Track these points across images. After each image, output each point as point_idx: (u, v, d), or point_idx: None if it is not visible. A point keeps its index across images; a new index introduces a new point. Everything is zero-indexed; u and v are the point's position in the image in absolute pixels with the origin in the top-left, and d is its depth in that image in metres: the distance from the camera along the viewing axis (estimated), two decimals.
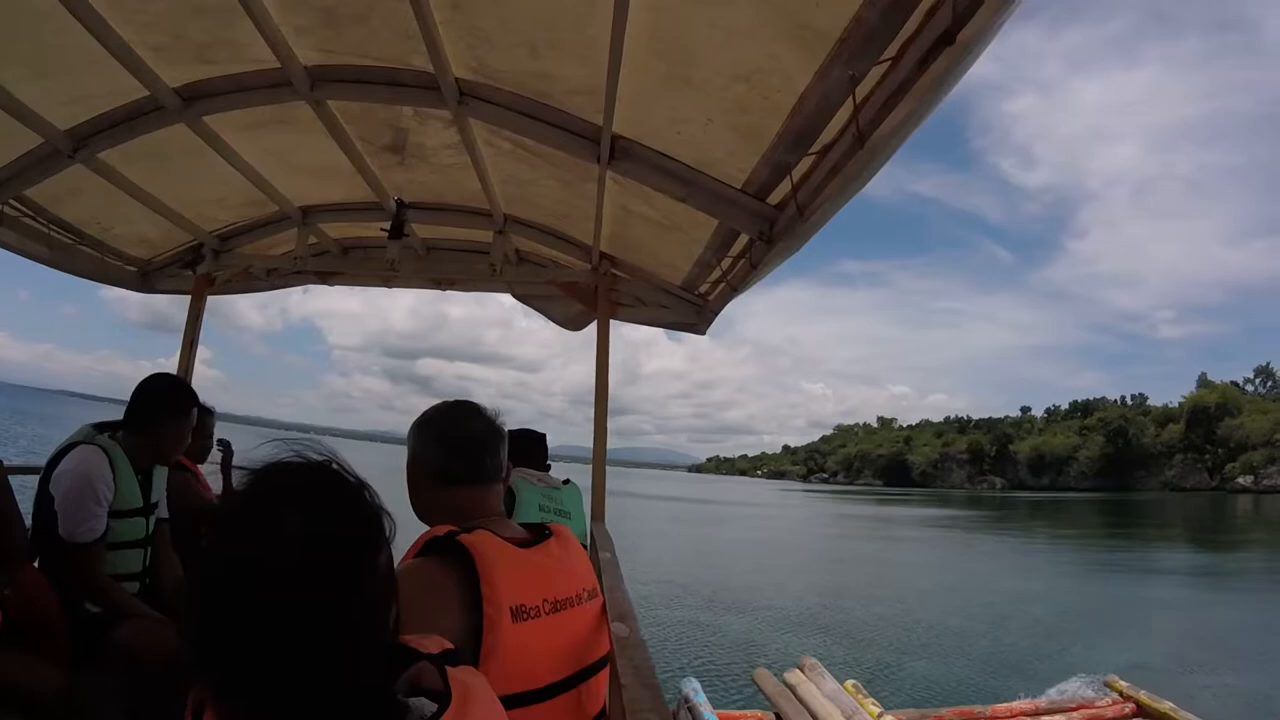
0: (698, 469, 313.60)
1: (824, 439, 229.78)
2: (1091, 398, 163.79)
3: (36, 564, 2.04)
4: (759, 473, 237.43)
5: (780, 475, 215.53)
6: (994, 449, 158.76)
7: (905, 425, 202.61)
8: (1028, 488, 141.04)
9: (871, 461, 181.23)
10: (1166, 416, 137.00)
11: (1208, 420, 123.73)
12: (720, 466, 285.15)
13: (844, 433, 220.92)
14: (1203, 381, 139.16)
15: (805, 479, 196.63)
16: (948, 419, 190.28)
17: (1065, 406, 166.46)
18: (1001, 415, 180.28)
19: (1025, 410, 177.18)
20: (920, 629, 12.41)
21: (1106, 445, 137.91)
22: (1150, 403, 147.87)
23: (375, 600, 0.70)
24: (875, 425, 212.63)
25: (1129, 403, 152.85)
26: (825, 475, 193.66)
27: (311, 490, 0.70)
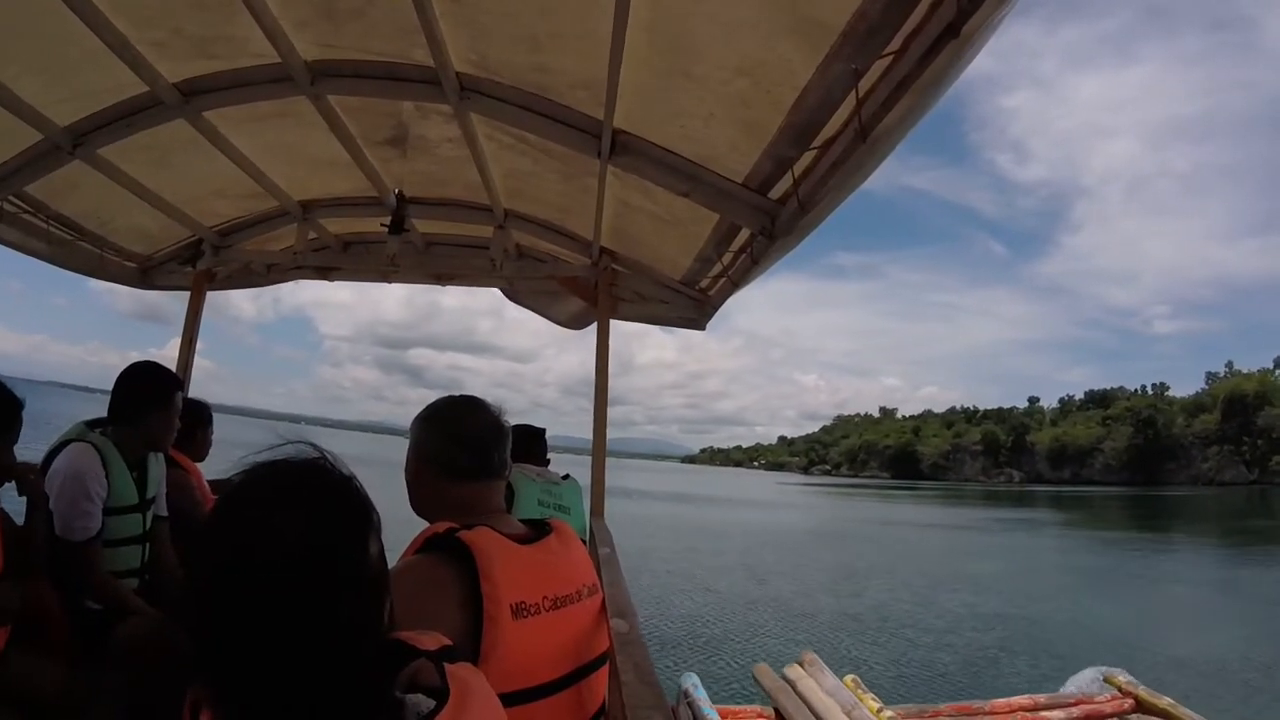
0: (691, 460, 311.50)
1: (824, 429, 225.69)
2: (1109, 387, 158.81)
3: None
4: (755, 464, 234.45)
5: (779, 467, 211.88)
6: (1010, 440, 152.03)
7: (905, 415, 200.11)
8: (1047, 481, 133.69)
9: (878, 453, 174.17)
10: (1197, 406, 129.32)
11: (1244, 410, 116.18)
12: (714, 458, 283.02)
13: (845, 423, 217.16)
14: (1229, 370, 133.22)
15: (806, 471, 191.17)
16: (953, 409, 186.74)
17: (1080, 396, 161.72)
18: (996, 408, 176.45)
19: (1033, 401, 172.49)
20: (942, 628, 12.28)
21: (1135, 436, 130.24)
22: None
23: (369, 592, 0.70)
24: (877, 415, 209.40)
25: (1149, 393, 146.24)
26: (828, 467, 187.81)
27: (302, 485, 0.71)
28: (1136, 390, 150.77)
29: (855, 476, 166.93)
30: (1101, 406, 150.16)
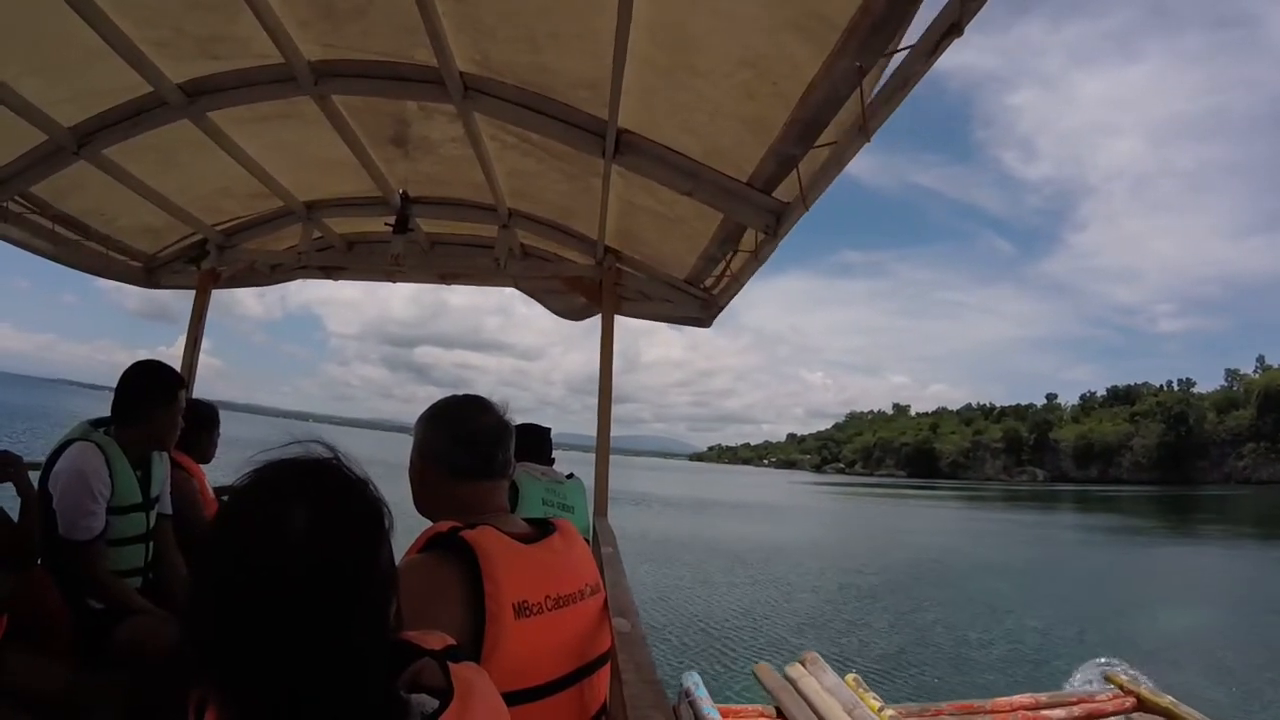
0: (698, 457, 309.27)
1: (837, 426, 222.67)
2: (1132, 383, 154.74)
3: (39, 561, 2.05)
4: (765, 462, 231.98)
5: (789, 465, 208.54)
6: (1032, 437, 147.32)
7: (918, 413, 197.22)
8: (1073, 480, 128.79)
9: (894, 450, 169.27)
10: (1229, 401, 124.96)
11: None
12: (722, 455, 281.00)
13: (857, 420, 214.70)
14: (1260, 365, 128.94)
15: (818, 469, 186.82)
16: (969, 406, 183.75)
17: (1102, 393, 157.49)
18: (1014, 405, 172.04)
19: (1051, 397, 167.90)
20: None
21: (1167, 433, 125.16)
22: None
23: (377, 596, 0.70)
24: (890, 412, 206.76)
25: (1175, 388, 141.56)
26: (841, 465, 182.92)
27: (314, 486, 0.70)
28: (1162, 386, 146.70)
29: (870, 475, 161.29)
30: (1126, 403, 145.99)
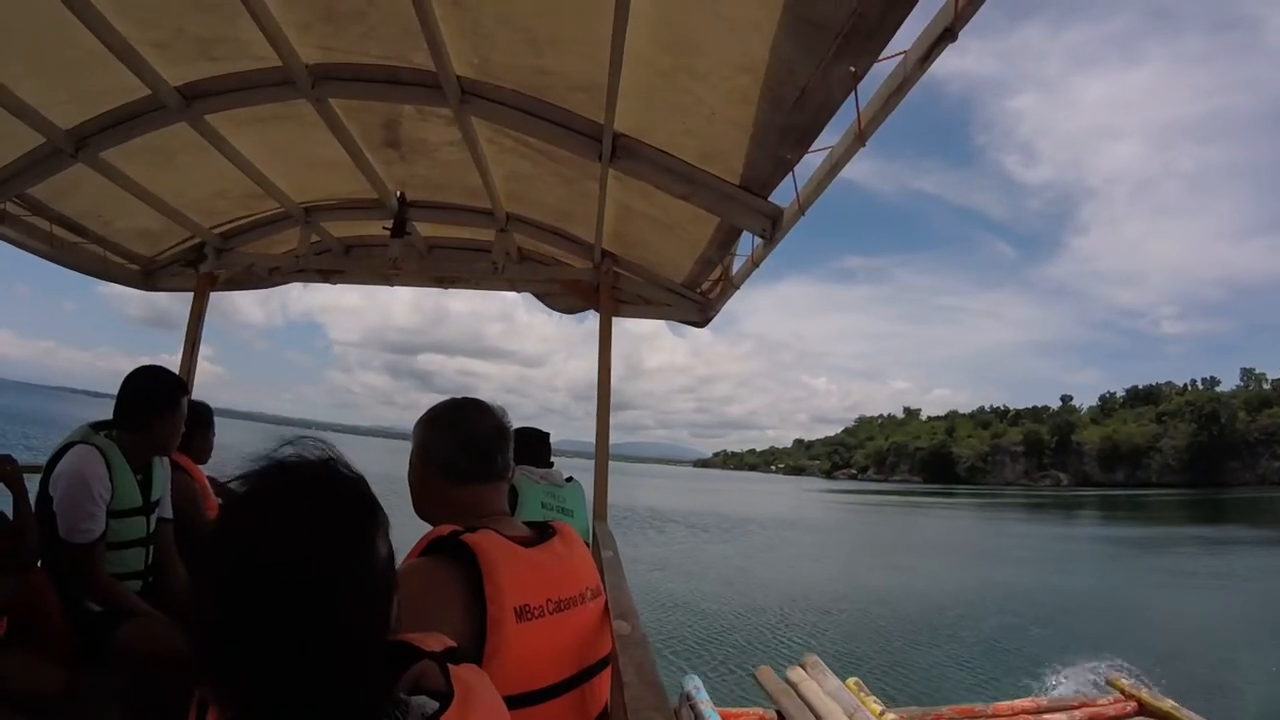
0: (704, 464, 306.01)
1: (847, 431, 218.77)
2: (1155, 383, 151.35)
3: (40, 564, 2.04)
4: (773, 468, 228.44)
5: (798, 471, 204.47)
6: (1054, 440, 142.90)
7: (929, 417, 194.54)
8: (1098, 484, 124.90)
9: (908, 455, 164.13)
10: (1260, 400, 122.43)
11: None
12: (728, 461, 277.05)
13: (867, 424, 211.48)
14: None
15: (829, 475, 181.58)
16: (981, 409, 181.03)
17: (1121, 393, 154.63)
18: (1030, 407, 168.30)
19: (1066, 400, 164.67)
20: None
21: (1199, 433, 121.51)
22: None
23: (375, 595, 0.70)
24: (900, 416, 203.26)
25: (1199, 387, 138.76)
26: (853, 471, 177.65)
27: (309, 486, 0.70)
28: (1186, 385, 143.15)
29: (884, 480, 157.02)
30: (1148, 403, 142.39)
